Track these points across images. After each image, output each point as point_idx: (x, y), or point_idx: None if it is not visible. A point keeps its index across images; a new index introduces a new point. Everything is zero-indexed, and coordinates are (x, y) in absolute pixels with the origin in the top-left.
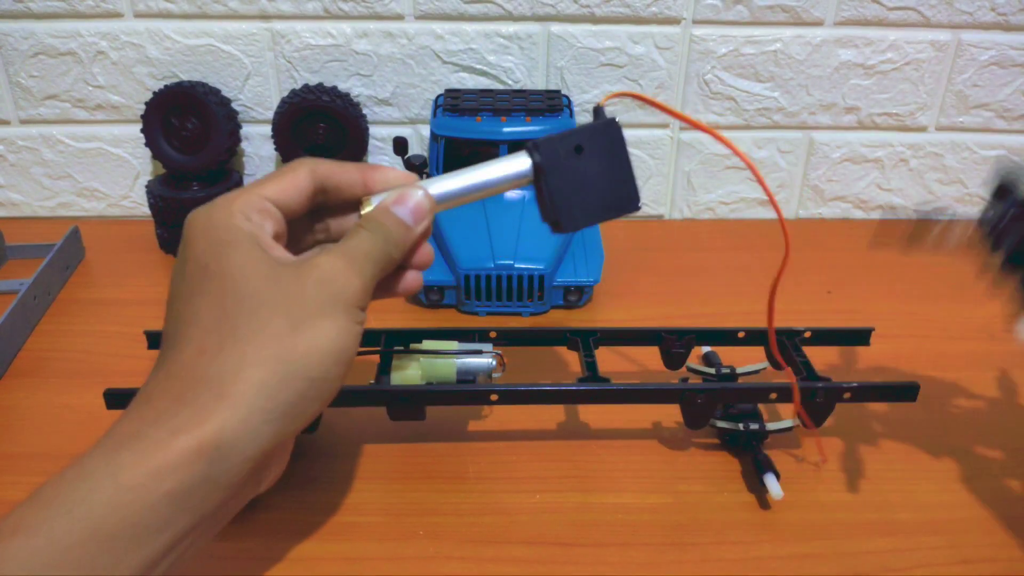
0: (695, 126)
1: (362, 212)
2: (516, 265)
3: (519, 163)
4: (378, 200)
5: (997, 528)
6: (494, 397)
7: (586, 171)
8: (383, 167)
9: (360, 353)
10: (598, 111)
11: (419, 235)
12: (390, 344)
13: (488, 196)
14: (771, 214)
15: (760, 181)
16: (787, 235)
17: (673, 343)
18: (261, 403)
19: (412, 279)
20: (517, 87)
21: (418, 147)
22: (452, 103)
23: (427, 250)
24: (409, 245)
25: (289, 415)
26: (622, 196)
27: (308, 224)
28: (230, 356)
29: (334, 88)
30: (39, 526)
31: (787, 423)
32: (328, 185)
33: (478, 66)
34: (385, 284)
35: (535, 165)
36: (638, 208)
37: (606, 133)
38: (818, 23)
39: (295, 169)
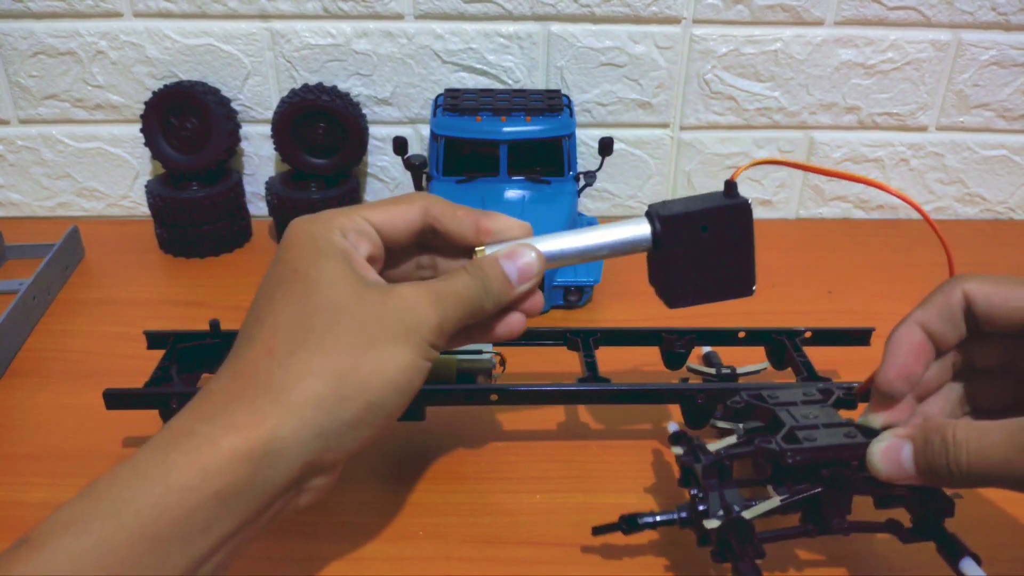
0: (850, 179)
1: (474, 259)
2: None
3: (638, 230)
4: (492, 250)
5: (999, 529)
6: (494, 397)
7: (706, 249)
8: (498, 214)
9: None
10: (731, 187)
11: (521, 293)
12: None
13: (599, 259)
14: (771, 214)
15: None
16: (945, 243)
17: (673, 343)
18: (315, 416)
19: (515, 321)
20: (517, 87)
21: (418, 147)
22: (452, 103)
23: (538, 298)
24: (506, 301)
25: (340, 433)
26: (737, 280)
27: (415, 257)
28: (296, 362)
29: (334, 88)
30: (89, 523)
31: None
32: (440, 226)
33: (478, 66)
34: (485, 326)
35: (655, 236)
36: (751, 293)
37: (735, 215)
38: (818, 23)
39: (408, 201)
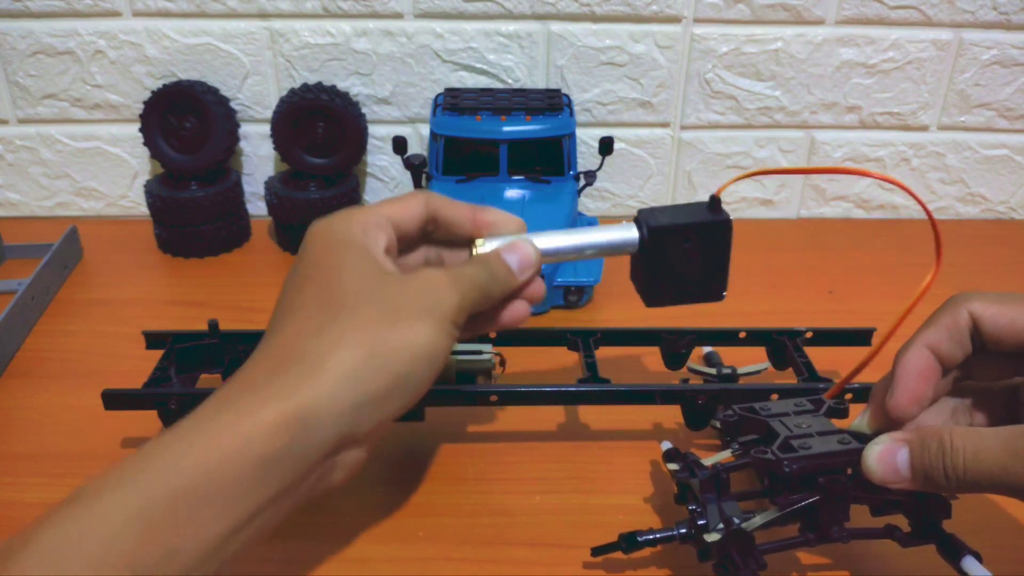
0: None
1: (474, 251)
2: None
3: (626, 234)
4: (491, 244)
5: (997, 530)
6: (494, 398)
7: (685, 258)
8: (492, 208)
9: None
10: (715, 202)
11: (522, 283)
12: None
13: (588, 258)
14: (772, 213)
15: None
16: (939, 237)
17: (674, 343)
18: (349, 386)
19: (519, 309)
20: (517, 86)
21: (417, 146)
22: (452, 102)
23: (539, 285)
24: (511, 290)
25: (373, 404)
26: (709, 287)
27: (421, 248)
28: (327, 337)
29: (333, 87)
30: (135, 483)
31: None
32: (439, 216)
33: (478, 65)
34: (491, 314)
35: (641, 241)
36: (721, 299)
37: (717, 230)
38: (819, 22)
39: (413, 196)
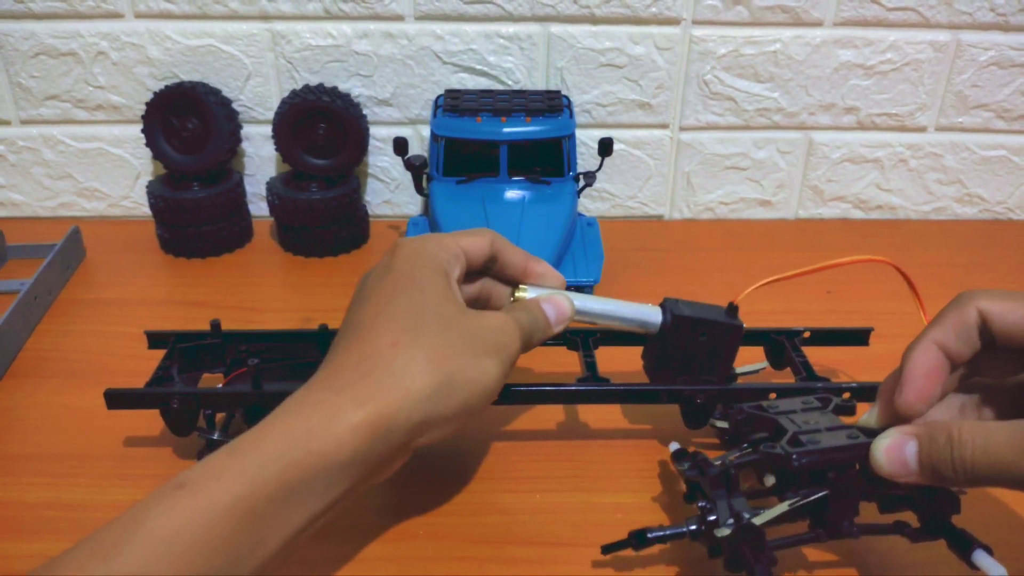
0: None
1: (516, 295)
2: None
3: (651, 315)
4: (533, 292)
5: (1006, 523)
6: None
7: (693, 348)
8: (542, 261)
9: None
10: (733, 309)
11: (556, 334)
12: None
13: (612, 326)
14: (770, 214)
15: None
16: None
17: None
18: (426, 404)
19: None
20: (517, 87)
21: (418, 147)
22: (452, 103)
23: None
24: (545, 339)
25: (437, 423)
26: (707, 374)
27: (479, 281)
28: (417, 356)
29: (334, 88)
30: (238, 475)
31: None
32: (499, 256)
33: (478, 66)
34: None
35: (663, 325)
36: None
37: (730, 332)
38: (818, 24)
39: (482, 233)
